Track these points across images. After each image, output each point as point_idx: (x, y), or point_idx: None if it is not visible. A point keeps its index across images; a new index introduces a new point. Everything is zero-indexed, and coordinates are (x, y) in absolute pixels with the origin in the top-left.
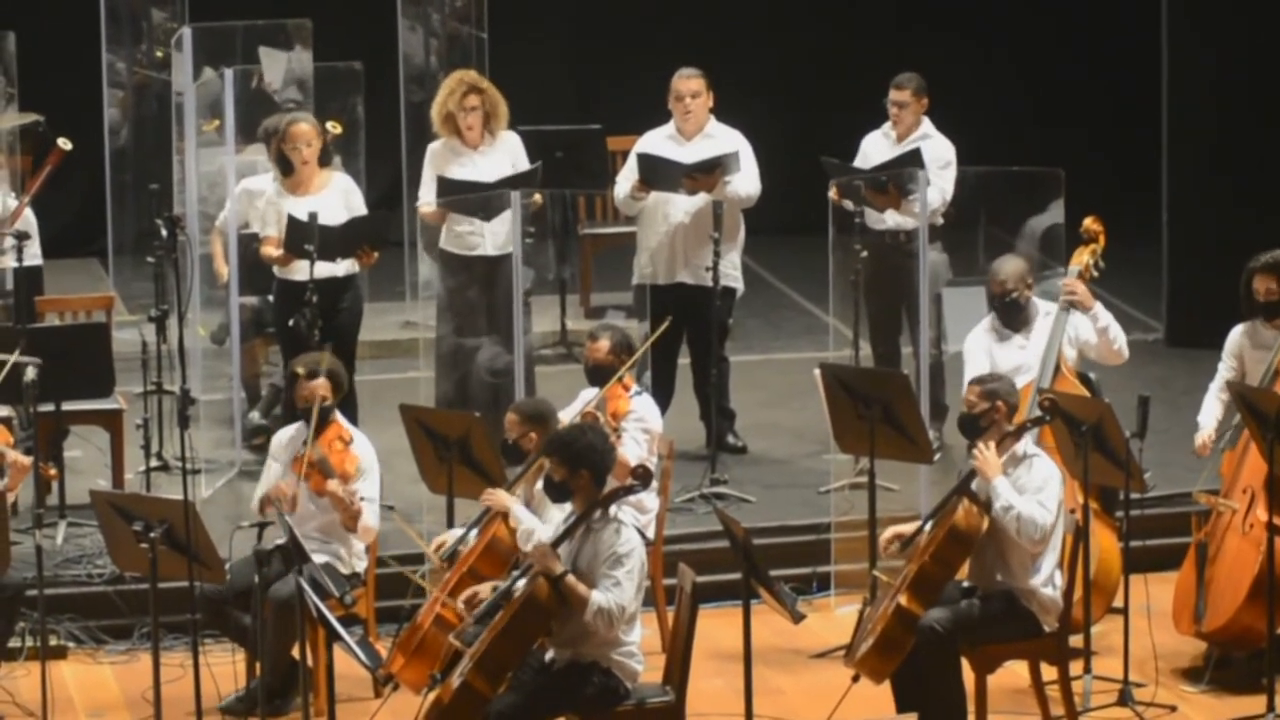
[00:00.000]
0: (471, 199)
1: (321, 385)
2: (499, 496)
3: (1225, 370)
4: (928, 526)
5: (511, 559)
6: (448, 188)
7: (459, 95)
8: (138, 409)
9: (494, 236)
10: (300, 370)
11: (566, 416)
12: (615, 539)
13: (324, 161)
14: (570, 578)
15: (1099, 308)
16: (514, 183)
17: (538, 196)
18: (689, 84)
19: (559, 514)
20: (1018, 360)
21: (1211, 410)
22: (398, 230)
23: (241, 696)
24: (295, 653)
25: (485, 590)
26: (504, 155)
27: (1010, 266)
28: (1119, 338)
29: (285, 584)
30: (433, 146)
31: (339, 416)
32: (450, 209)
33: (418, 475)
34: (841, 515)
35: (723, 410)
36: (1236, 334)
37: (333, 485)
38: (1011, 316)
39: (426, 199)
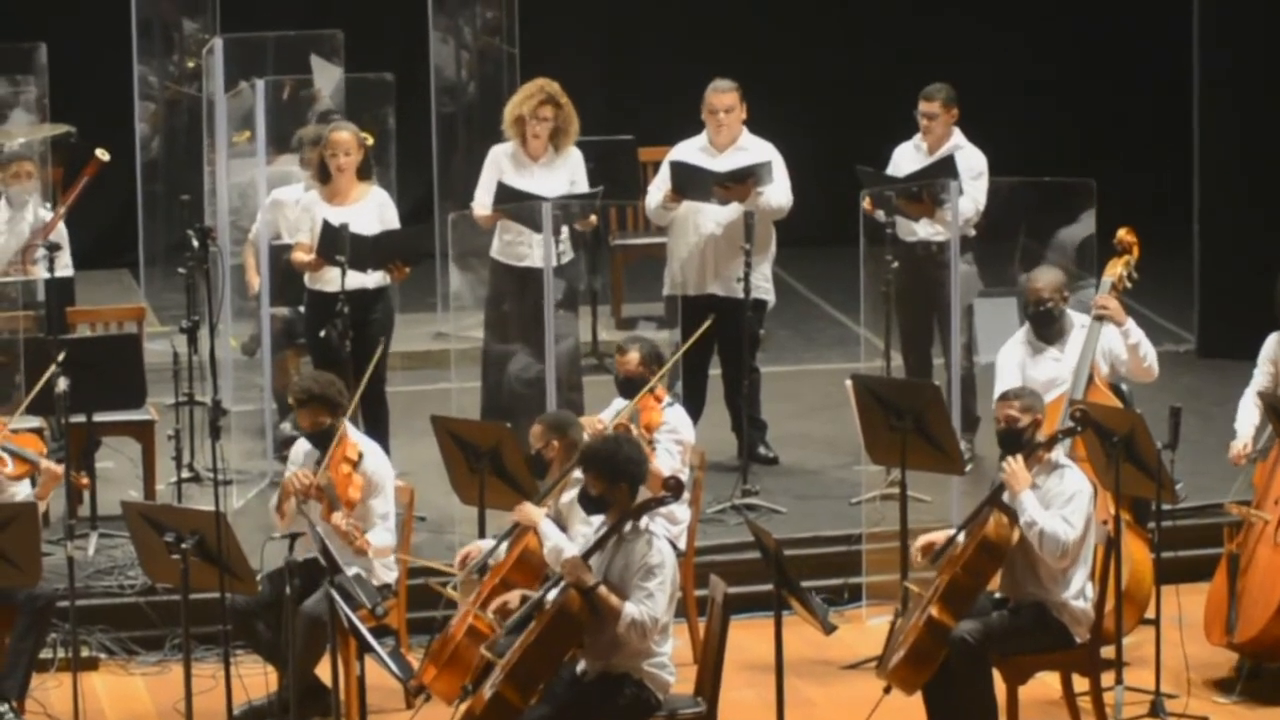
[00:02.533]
0: (525, 208)
1: (315, 411)
2: (528, 511)
3: (1260, 377)
4: (960, 538)
5: (544, 570)
6: (506, 194)
7: (535, 103)
8: (169, 420)
9: (543, 248)
10: (291, 400)
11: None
12: (647, 550)
13: (364, 175)
14: (603, 589)
15: (1131, 324)
16: (574, 200)
17: (592, 217)
18: (723, 98)
19: (585, 528)
20: (1052, 373)
21: (1248, 418)
22: (430, 241)
23: (256, 707)
24: (319, 674)
25: (514, 598)
26: (564, 172)
27: (1046, 277)
28: (1149, 355)
29: (316, 601)
30: (494, 151)
31: (349, 431)
32: (504, 215)
33: (450, 486)
34: (873, 526)
35: (754, 421)
36: (1273, 341)
37: (336, 519)
38: (1045, 327)
39: (483, 200)
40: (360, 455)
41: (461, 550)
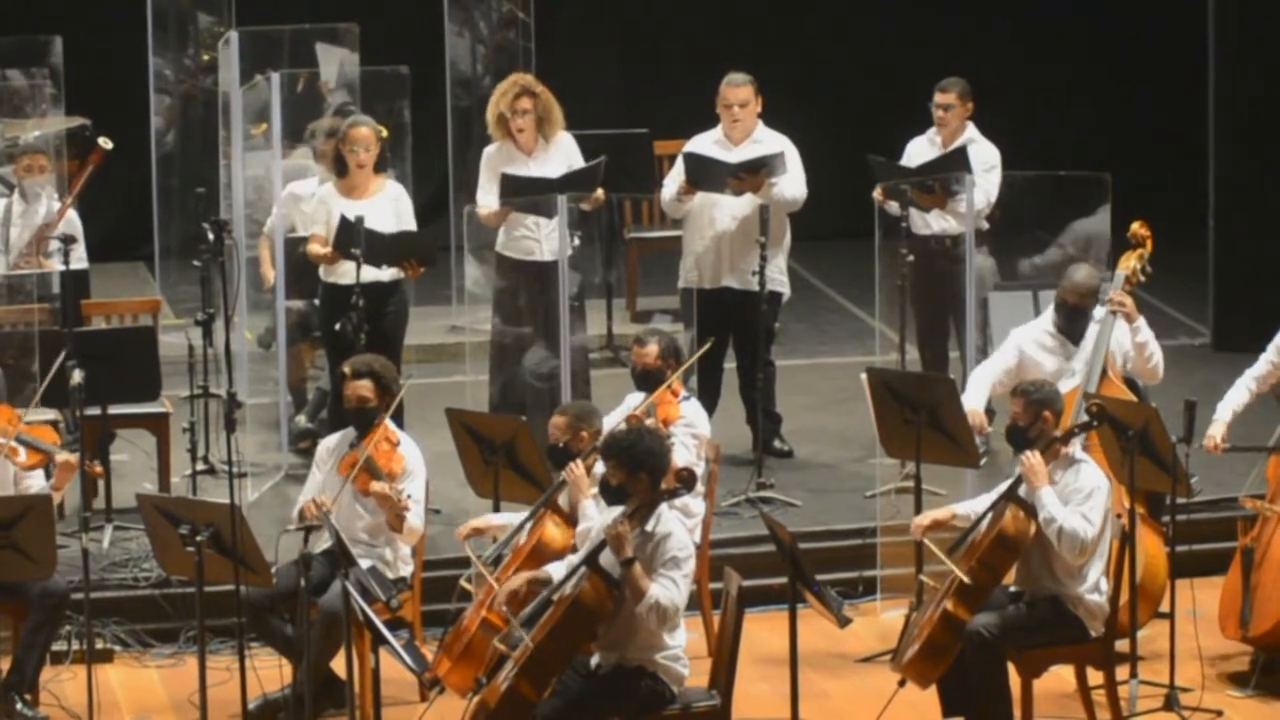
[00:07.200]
0: (534, 202)
1: (364, 386)
2: (581, 479)
3: (1265, 365)
4: (981, 526)
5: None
6: (512, 185)
7: (510, 97)
8: (184, 412)
9: (550, 242)
10: (346, 370)
11: (612, 422)
12: (674, 543)
13: (380, 168)
14: (637, 566)
15: (1141, 322)
16: (579, 178)
17: (600, 193)
18: (738, 92)
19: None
20: (1062, 362)
21: (1231, 404)
22: (444, 234)
23: (271, 700)
24: (334, 667)
25: (521, 583)
26: (559, 160)
27: (1088, 275)
28: (1155, 355)
29: (335, 596)
30: (488, 150)
31: (388, 421)
32: (514, 209)
33: (464, 479)
34: (887, 520)
35: (769, 415)
36: None
37: (378, 486)
38: (1076, 322)
39: (485, 201)
40: (399, 440)
41: (466, 525)
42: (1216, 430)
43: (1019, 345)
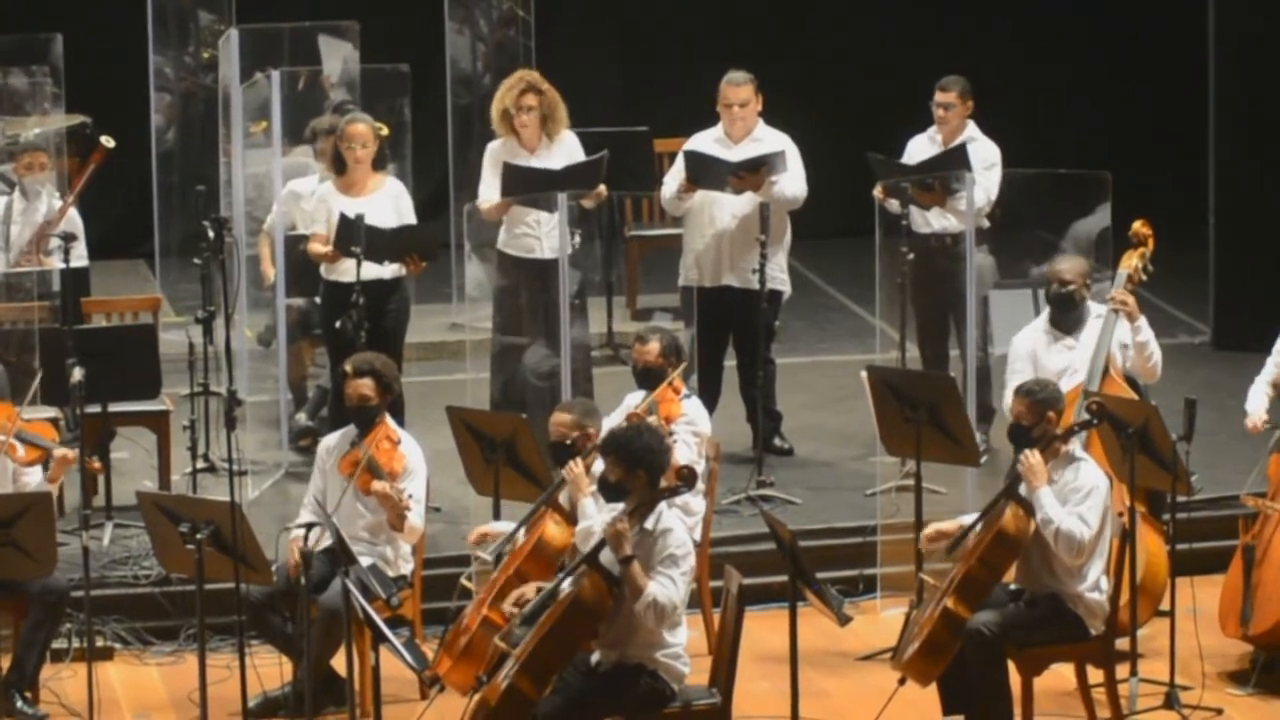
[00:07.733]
0: (536, 196)
1: (365, 384)
2: (581, 477)
3: (1273, 368)
4: (977, 528)
5: (558, 561)
6: (514, 175)
7: (516, 93)
8: (184, 410)
9: (551, 239)
10: (348, 368)
11: (613, 421)
12: (672, 540)
13: (379, 166)
14: (636, 564)
15: (1143, 321)
16: (581, 171)
17: (601, 189)
18: (738, 91)
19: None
20: (1065, 362)
21: (1259, 399)
22: (445, 231)
23: (271, 697)
24: (334, 664)
25: (531, 591)
26: (561, 158)
27: (1071, 262)
28: (1155, 355)
29: (335, 594)
30: (491, 146)
31: (388, 419)
32: (515, 203)
33: (464, 477)
34: (888, 518)
35: (769, 413)
36: None
37: (380, 485)
38: (1066, 313)
39: (487, 195)
40: (400, 439)
41: (475, 531)
42: (1256, 414)
43: (1028, 352)
